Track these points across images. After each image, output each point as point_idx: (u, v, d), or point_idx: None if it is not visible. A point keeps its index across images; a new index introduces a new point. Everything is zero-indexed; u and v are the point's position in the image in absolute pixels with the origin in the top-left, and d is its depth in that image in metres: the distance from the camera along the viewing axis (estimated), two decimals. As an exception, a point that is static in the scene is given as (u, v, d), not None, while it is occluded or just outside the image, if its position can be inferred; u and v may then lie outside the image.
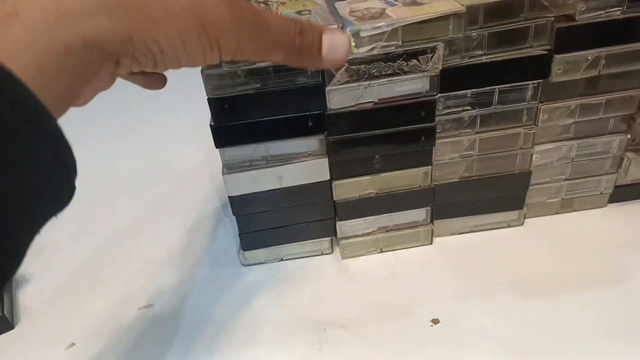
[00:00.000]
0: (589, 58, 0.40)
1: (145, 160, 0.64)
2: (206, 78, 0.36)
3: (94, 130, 0.73)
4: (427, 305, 0.40)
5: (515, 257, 0.44)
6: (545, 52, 0.39)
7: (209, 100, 0.37)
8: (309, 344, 0.38)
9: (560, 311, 0.39)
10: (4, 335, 0.42)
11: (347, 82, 0.37)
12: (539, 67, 0.39)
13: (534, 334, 0.37)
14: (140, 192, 0.58)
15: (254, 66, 0.36)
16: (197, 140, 0.66)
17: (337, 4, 0.40)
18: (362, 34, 0.36)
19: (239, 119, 0.38)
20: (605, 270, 0.42)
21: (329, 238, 0.46)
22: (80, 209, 0.56)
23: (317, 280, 0.44)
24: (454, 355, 0.36)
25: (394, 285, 0.43)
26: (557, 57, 0.39)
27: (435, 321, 0.39)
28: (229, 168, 0.40)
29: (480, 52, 0.39)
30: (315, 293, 0.43)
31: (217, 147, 0.39)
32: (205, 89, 0.37)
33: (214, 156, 0.41)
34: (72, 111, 0.23)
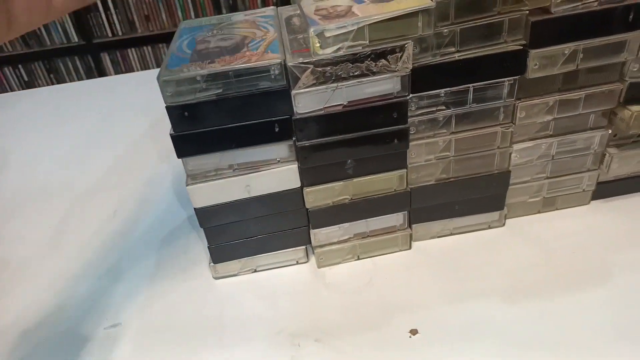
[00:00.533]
0: (566, 52, 0.38)
1: (110, 171, 0.62)
2: (162, 84, 0.34)
3: (53, 142, 0.71)
4: (406, 314, 0.38)
5: (498, 260, 0.42)
6: (521, 47, 0.37)
7: (167, 108, 0.35)
8: (283, 360, 0.36)
9: (545, 313, 0.37)
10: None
11: (314, 84, 0.35)
12: (514, 63, 0.38)
13: (518, 339, 0.36)
14: (106, 204, 0.56)
15: (213, 71, 0.34)
16: (162, 148, 0.64)
17: (303, 2, 0.38)
18: (327, 34, 0.34)
19: (201, 127, 0.36)
20: (590, 269, 0.40)
21: (304, 247, 0.44)
22: (47, 222, 0.54)
23: (292, 291, 0.42)
24: (434, 368, 0.34)
25: (372, 293, 0.41)
26: (533, 52, 0.38)
27: (413, 332, 0.37)
28: (193, 178, 0.38)
29: (453, 49, 0.37)
30: (289, 305, 0.41)
31: (178, 157, 0.37)
32: (163, 96, 0.35)
33: (179, 165, 0.39)
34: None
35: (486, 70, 0.38)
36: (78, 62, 1.60)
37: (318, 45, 0.34)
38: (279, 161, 0.39)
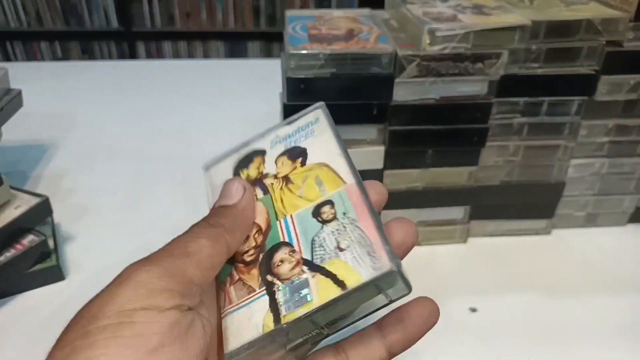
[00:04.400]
0: (631, 82, 0.43)
1: (173, 141, 0.66)
2: (289, 57, 0.38)
3: (115, 111, 0.74)
4: (464, 296, 0.42)
5: (543, 262, 0.47)
6: (593, 72, 0.42)
7: (287, 79, 0.39)
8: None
9: (581, 309, 0.42)
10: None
11: (416, 76, 0.40)
12: (586, 84, 0.43)
13: (558, 328, 0.40)
14: (173, 169, 0.59)
15: (336, 51, 0.38)
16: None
17: (409, 7, 0.43)
18: (438, 33, 0.38)
19: (312, 100, 0.40)
20: (622, 279, 0.45)
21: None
22: (119, 178, 0.57)
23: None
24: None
25: (431, 275, 0.45)
26: (604, 77, 0.43)
27: (472, 310, 0.41)
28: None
29: (536, 65, 0.42)
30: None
31: (286, 124, 0.41)
32: (285, 69, 0.39)
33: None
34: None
35: (561, 87, 0.43)
36: (114, 47, 1.64)
37: (428, 42, 0.39)
38: (367, 142, 0.43)
